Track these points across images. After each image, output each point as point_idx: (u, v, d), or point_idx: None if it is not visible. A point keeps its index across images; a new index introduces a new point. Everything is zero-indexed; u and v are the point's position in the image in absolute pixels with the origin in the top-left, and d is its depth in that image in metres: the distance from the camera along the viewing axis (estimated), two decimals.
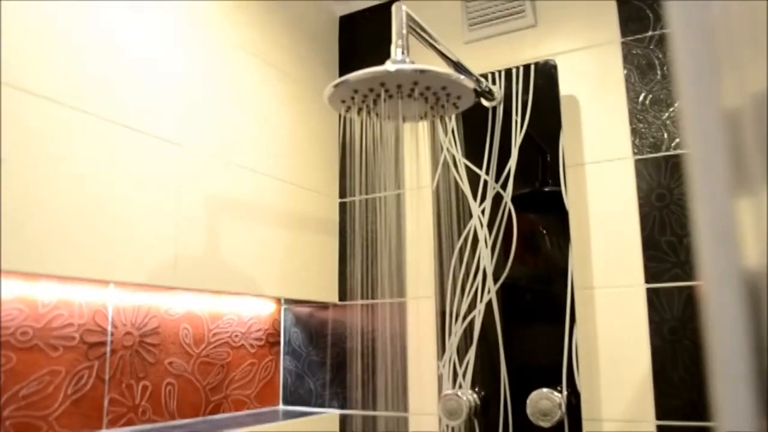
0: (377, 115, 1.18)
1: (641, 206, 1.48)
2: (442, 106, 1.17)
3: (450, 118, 1.67)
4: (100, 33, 1.25)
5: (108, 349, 1.37)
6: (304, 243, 1.73)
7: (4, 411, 1.17)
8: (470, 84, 1.09)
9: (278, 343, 1.86)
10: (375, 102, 1.14)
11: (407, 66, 1.05)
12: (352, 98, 1.13)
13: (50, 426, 1.24)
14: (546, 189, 1.52)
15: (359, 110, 1.17)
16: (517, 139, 1.57)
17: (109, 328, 1.37)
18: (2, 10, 1.07)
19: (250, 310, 1.76)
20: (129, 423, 1.40)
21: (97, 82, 1.23)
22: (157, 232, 1.31)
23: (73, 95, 1.18)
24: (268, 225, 1.61)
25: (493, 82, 1.61)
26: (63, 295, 1.29)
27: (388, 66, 1.05)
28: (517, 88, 1.58)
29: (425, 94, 1.11)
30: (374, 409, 1.75)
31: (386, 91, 1.10)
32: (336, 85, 1.09)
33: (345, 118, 1.93)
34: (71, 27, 1.19)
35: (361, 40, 2.00)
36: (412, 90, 1.10)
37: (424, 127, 1.76)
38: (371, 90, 1.11)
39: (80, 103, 1.19)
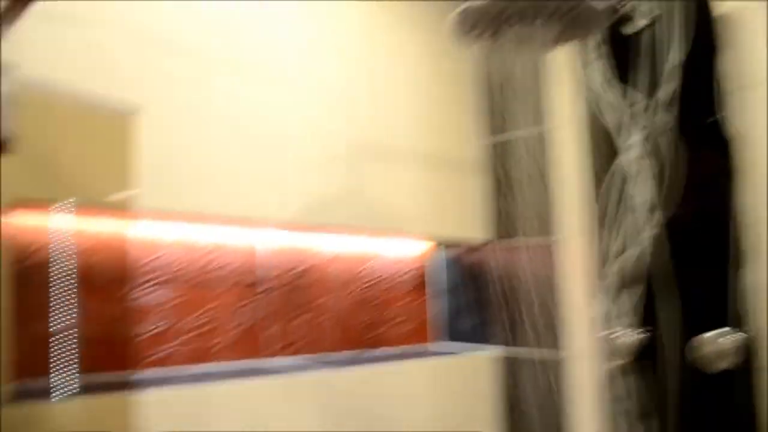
0: (506, 44, 1.13)
1: None
2: (574, 31, 1.09)
3: (597, 46, 1.56)
4: None
5: (265, 286, 1.47)
6: (451, 184, 1.73)
7: (177, 340, 1.31)
8: (599, 4, 1.01)
9: (430, 283, 1.88)
10: (502, 31, 1.09)
11: None
12: (479, 28, 1.09)
13: (218, 354, 1.37)
14: (710, 116, 1.37)
15: (488, 40, 1.13)
16: (672, 63, 1.43)
17: (266, 268, 1.47)
18: None
19: (402, 251, 1.80)
20: (287, 355, 1.50)
21: (249, 38, 1.32)
22: (305, 173, 1.38)
23: (228, 53, 1.27)
24: (414, 166, 1.62)
25: (641, 3, 1.47)
26: (223, 237, 1.40)
27: None
28: (668, 7, 1.43)
29: (553, 18, 1.05)
30: (529, 347, 1.72)
31: (511, 17, 1.05)
32: (458, 14, 1.06)
33: (485, 56, 1.87)
34: None
35: None
36: (540, 16, 1.04)
37: (566, 56, 1.65)
38: (497, 18, 1.06)
39: (233, 56, 1.28)
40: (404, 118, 1.63)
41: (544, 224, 1.71)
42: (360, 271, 1.68)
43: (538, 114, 1.74)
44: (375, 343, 1.70)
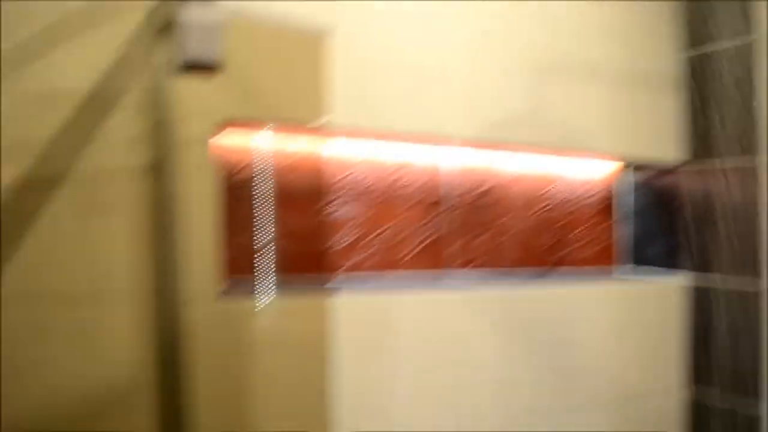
0: None
1: None
2: None
3: None
4: None
5: (448, 203, 1.50)
6: (644, 100, 1.63)
7: (365, 252, 1.40)
8: None
9: (617, 206, 1.81)
10: None
11: None
12: None
13: (403, 267, 1.44)
14: None
15: None
16: None
17: (449, 185, 1.51)
18: None
19: (587, 172, 1.74)
20: (470, 272, 1.54)
21: None
22: (487, 90, 1.37)
23: None
24: (601, 81, 1.55)
25: None
26: (408, 154, 1.45)
27: None
28: None
29: None
30: (723, 277, 1.62)
31: None
32: None
33: None
34: None
35: None
36: None
37: None
38: None
39: None
40: (593, 29, 1.55)
41: (748, 144, 1.56)
42: (544, 191, 1.66)
43: (744, 22, 1.57)
44: (557, 264, 1.69)
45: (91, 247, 0.98)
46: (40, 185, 0.94)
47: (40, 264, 0.94)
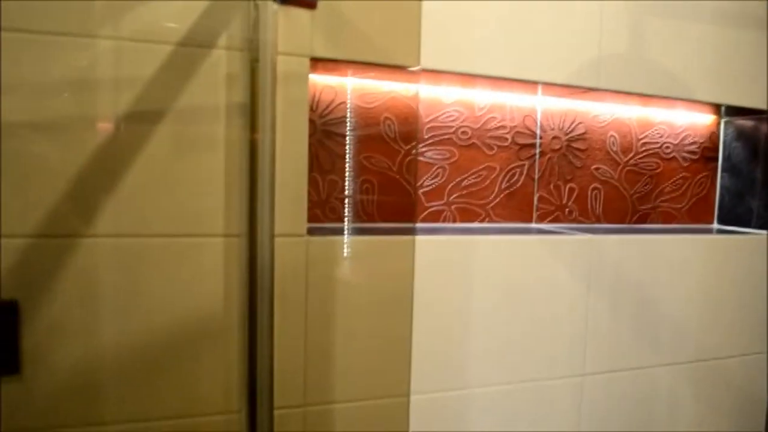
0: None
1: None
2: None
3: None
4: None
5: (537, 151, 1.47)
6: (748, 42, 1.53)
7: (450, 197, 1.39)
8: None
9: (715, 158, 1.73)
10: None
11: None
12: None
13: (487, 214, 1.43)
14: None
15: None
16: None
17: (538, 132, 1.47)
18: None
19: (684, 121, 1.66)
20: (556, 220, 1.51)
21: None
22: (581, 33, 1.31)
23: None
24: (701, 22, 1.45)
25: None
26: (496, 100, 1.41)
27: None
28: None
29: None
30: None
31: None
32: None
33: None
34: None
35: None
36: None
37: None
38: None
39: None
40: None
41: None
42: (637, 139, 1.60)
43: None
44: (647, 216, 1.63)
45: (187, 183, 1.00)
46: (139, 123, 0.96)
47: (137, 199, 0.97)
